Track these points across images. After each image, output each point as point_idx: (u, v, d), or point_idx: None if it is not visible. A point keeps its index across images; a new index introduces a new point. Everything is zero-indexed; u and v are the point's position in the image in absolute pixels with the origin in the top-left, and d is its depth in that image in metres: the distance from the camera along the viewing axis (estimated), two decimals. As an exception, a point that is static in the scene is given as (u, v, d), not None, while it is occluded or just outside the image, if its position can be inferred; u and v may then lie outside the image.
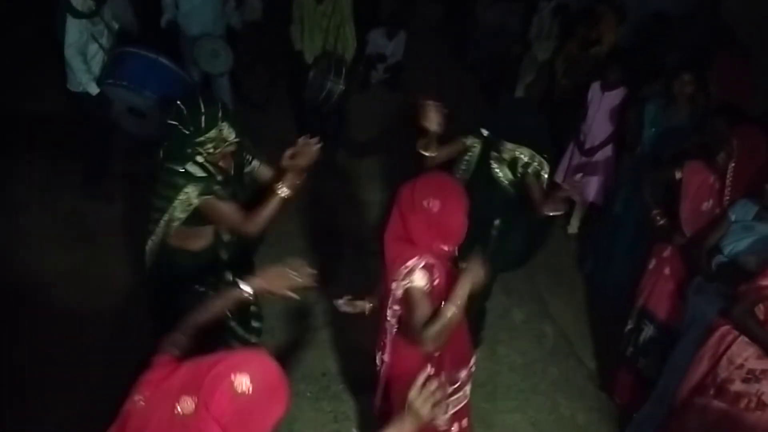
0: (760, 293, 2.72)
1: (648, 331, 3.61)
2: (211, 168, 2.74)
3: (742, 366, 2.78)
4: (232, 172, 2.91)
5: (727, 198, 3.22)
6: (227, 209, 2.74)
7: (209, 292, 2.94)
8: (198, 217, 2.77)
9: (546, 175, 3.46)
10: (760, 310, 2.73)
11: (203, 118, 2.66)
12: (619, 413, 3.77)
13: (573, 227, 5.28)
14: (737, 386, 2.80)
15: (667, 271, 3.49)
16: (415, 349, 2.43)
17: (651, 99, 4.26)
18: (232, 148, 2.77)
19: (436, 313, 2.30)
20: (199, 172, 2.70)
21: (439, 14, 8.30)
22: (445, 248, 2.40)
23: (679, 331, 3.36)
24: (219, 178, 2.77)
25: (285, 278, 2.28)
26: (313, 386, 3.72)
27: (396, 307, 2.49)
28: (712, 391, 2.88)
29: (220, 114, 2.68)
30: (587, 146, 4.86)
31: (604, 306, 4.46)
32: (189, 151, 2.69)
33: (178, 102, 2.74)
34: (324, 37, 5.27)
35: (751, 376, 2.76)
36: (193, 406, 1.51)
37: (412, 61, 7.05)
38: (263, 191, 2.80)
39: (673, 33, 5.25)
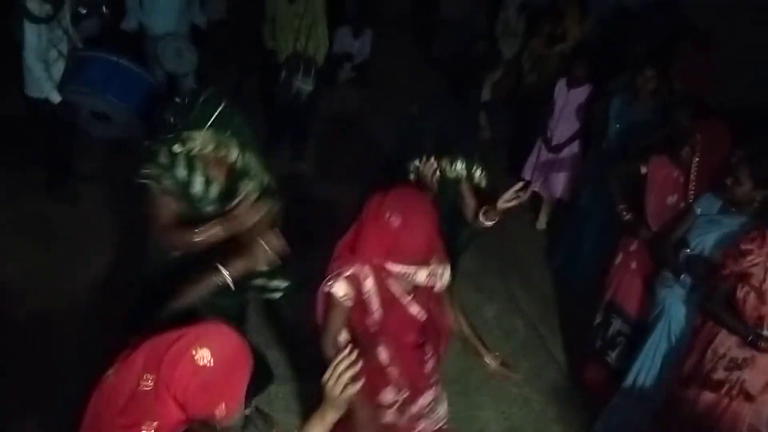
0: (727, 281, 2.77)
1: (616, 324, 3.66)
2: (181, 162, 2.48)
3: (725, 355, 2.83)
4: (221, 186, 2.59)
5: (692, 192, 3.26)
6: (161, 205, 2.48)
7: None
8: None
9: (481, 178, 3.04)
10: (740, 291, 2.75)
11: (192, 114, 2.39)
12: (590, 406, 3.81)
13: (541, 223, 5.34)
14: (720, 374, 2.84)
15: (633, 265, 3.54)
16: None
17: (616, 94, 4.30)
18: (211, 158, 2.47)
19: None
20: (163, 159, 2.46)
21: (405, 11, 8.31)
22: (390, 267, 2.28)
23: (644, 323, 3.42)
24: (182, 176, 2.48)
25: (263, 252, 2.20)
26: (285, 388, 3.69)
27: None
28: (699, 382, 2.92)
29: (209, 121, 2.38)
30: (554, 143, 4.91)
31: (573, 300, 4.51)
32: (171, 136, 2.43)
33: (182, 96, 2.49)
34: (295, 37, 5.24)
35: (734, 365, 2.81)
36: (152, 383, 1.53)
37: (379, 58, 7.03)
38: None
39: (635, 27, 5.33)
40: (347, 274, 2.30)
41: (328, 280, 2.33)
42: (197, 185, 2.53)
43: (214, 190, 2.58)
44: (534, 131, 5.18)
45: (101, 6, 4.99)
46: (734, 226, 2.92)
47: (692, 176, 3.26)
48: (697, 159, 3.23)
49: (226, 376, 1.58)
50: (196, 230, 2.43)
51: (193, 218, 2.52)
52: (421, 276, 2.36)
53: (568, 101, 4.77)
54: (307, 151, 5.78)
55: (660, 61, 4.19)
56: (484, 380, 3.92)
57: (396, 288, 2.36)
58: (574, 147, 4.88)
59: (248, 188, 2.55)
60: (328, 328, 2.36)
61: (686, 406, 2.97)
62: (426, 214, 2.24)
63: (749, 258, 2.71)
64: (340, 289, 2.30)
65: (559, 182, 4.99)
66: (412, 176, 2.89)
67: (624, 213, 3.56)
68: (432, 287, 2.44)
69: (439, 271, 2.42)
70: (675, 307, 3.14)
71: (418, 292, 2.42)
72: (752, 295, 2.72)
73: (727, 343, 2.83)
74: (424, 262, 2.32)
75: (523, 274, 4.85)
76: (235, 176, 2.59)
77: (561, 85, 4.82)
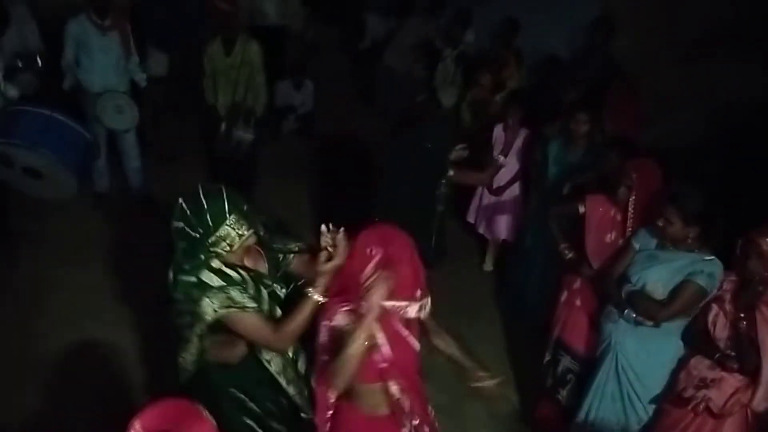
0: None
1: (565, 362, 3.70)
2: (231, 272, 2.37)
3: (696, 376, 2.96)
4: (266, 270, 2.54)
5: (630, 229, 3.36)
6: (252, 322, 2.36)
7: (267, 409, 2.63)
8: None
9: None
10: (711, 315, 2.94)
11: (208, 215, 2.29)
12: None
13: (488, 265, 5.40)
14: (689, 392, 2.96)
15: (578, 302, 3.61)
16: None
17: (553, 138, 4.45)
18: (251, 242, 2.40)
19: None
20: (215, 281, 2.33)
21: (345, 63, 8.46)
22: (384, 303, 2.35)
23: (591, 359, 3.46)
24: (244, 282, 2.39)
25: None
26: None
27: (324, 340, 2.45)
28: (670, 400, 3.07)
29: (227, 206, 2.30)
30: (495, 186, 5.02)
31: (523, 339, 4.55)
32: (202, 257, 2.32)
33: (180, 201, 2.36)
34: (233, 89, 5.28)
35: (703, 384, 2.92)
36: None
37: (322, 109, 7.12)
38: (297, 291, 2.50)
39: (568, 73, 5.56)
40: (347, 308, 2.34)
41: (330, 315, 2.37)
42: (248, 280, 2.44)
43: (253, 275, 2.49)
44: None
45: (35, 61, 4.93)
46: (672, 260, 3.02)
47: (630, 213, 3.36)
48: (633, 197, 3.33)
49: None
50: (294, 315, 2.39)
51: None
52: (413, 310, 2.38)
53: (506, 145, 4.89)
54: (253, 201, 5.74)
55: (591, 106, 4.36)
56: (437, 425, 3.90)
57: (395, 322, 2.40)
58: (515, 189, 5.00)
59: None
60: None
61: (657, 422, 3.13)
62: (407, 248, 2.33)
63: (724, 286, 2.92)
64: (342, 319, 2.35)
65: (503, 224, 5.09)
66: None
67: (566, 252, 3.64)
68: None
69: (426, 302, 2.44)
70: (622, 341, 3.19)
71: (410, 324, 2.45)
72: (721, 318, 2.89)
73: (699, 365, 2.97)
74: (413, 297, 2.36)
75: (472, 315, 4.87)
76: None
77: (498, 129, 4.96)
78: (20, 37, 5.04)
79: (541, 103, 5.22)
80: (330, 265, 2.31)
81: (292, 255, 2.63)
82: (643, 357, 3.15)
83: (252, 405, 2.60)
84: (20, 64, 4.77)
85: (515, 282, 4.81)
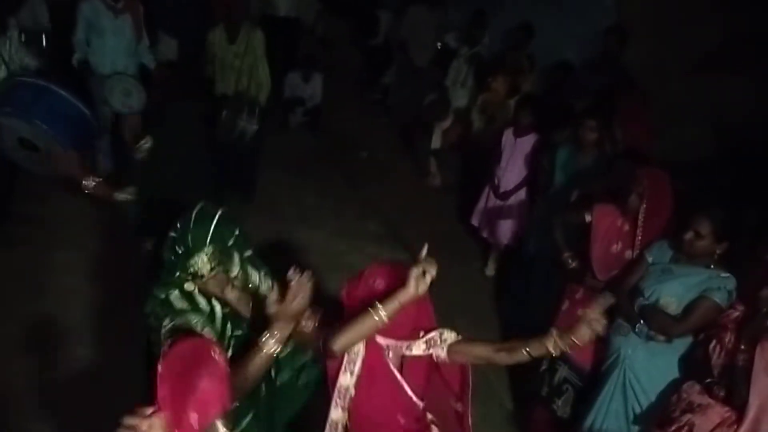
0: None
1: (562, 371, 3.64)
2: (202, 300, 2.22)
3: (686, 399, 2.90)
4: (247, 313, 2.36)
5: (639, 239, 3.31)
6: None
7: None
8: None
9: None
10: (712, 343, 2.86)
11: (190, 237, 2.17)
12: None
13: (490, 269, 5.37)
14: (676, 414, 2.90)
15: (580, 312, 3.56)
16: None
17: (562, 144, 4.42)
18: (219, 279, 2.23)
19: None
20: (179, 304, 2.19)
21: (356, 58, 8.44)
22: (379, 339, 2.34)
23: (592, 372, 3.43)
24: (212, 314, 2.23)
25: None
26: None
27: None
28: (658, 422, 3.00)
29: (210, 235, 2.16)
30: (501, 190, 4.99)
31: (521, 346, 4.51)
32: (178, 274, 2.20)
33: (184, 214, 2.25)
34: (237, 77, 5.26)
35: (689, 408, 2.86)
36: None
37: (331, 104, 7.10)
38: None
39: (579, 80, 5.52)
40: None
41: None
42: (218, 314, 2.26)
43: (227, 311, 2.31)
44: (482, 179, 5.26)
45: (40, 40, 4.91)
46: (688, 275, 2.98)
47: (639, 224, 3.31)
48: (644, 206, 3.29)
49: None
50: (242, 365, 2.08)
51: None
52: (417, 348, 2.33)
53: (515, 150, 4.88)
54: (255, 195, 5.72)
55: (601, 114, 4.32)
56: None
57: (388, 361, 2.34)
58: (521, 194, 4.97)
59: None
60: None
61: None
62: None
63: (731, 315, 2.84)
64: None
65: (507, 229, 5.05)
66: None
67: (569, 261, 3.60)
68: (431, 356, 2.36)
69: (434, 338, 2.34)
70: (631, 355, 3.14)
71: (412, 367, 2.37)
72: (718, 347, 2.82)
73: (690, 390, 2.90)
74: (411, 336, 2.32)
75: (472, 320, 4.82)
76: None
77: (508, 134, 4.94)
78: (33, 15, 5.03)
79: (552, 109, 5.20)
80: (282, 308, 2.05)
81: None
82: (652, 372, 3.11)
83: None
84: (23, 39, 4.71)
85: (516, 288, 4.77)
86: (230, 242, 2.21)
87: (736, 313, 2.85)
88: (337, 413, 2.38)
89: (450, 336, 2.35)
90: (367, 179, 6.39)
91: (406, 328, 2.29)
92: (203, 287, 2.22)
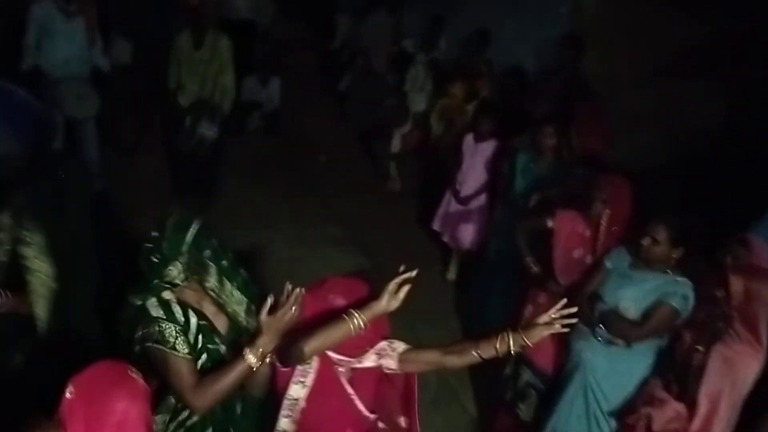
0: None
1: (525, 376, 3.67)
2: (178, 310, 2.19)
3: (649, 393, 2.99)
4: (223, 328, 2.31)
5: (601, 242, 3.38)
6: (176, 368, 2.11)
7: None
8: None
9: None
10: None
11: (166, 244, 2.16)
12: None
13: (451, 274, 5.39)
14: (638, 405, 3.00)
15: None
16: None
17: (521, 150, 4.47)
18: (193, 289, 2.23)
19: None
20: (155, 311, 2.16)
21: (313, 62, 8.40)
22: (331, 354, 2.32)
23: (555, 376, 3.48)
24: (187, 325, 2.19)
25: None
26: None
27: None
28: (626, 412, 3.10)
29: (184, 246, 2.16)
30: (463, 194, 5.03)
31: (483, 351, 4.55)
32: (155, 282, 2.19)
33: (155, 233, 2.21)
34: (201, 84, 5.17)
35: (650, 401, 2.95)
36: None
37: (289, 108, 7.04)
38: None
39: (536, 87, 5.61)
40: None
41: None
42: (193, 325, 2.23)
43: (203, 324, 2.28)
44: (443, 183, 5.30)
45: None
46: (645, 280, 3.05)
47: (602, 229, 3.37)
48: (607, 212, 3.35)
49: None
50: (221, 374, 2.11)
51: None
52: (368, 360, 2.34)
53: (476, 155, 4.92)
54: (213, 200, 5.64)
55: (559, 120, 4.39)
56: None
57: (340, 377, 2.33)
58: (482, 199, 5.01)
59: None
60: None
61: None
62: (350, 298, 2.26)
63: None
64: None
65: (468, 233, 5.09)
66: None
67: (531, 266, 3.65)
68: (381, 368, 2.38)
69: (384, 346, 2.36)
70: (592, 359, 3.19)
71: (364, 381, 2.37)
72: (679, 345, 2.93)
73: (654, 383, 3.00)
74: (363, 351, 2.32)
75: (432, 325, 4.85)
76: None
77: (469, 139, 4.98)
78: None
79: (507, 115, 5.27)
80: (270, 320, 2.06)
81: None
82: (612, 376, 3.16)
83: None
84: None
85: (478, 292, 4.80)
86: (206, 253, 2.20)
87: (700, 314, 2.92)
88: (284, 424, 2.36)
89: (399, 345, 2.37)
90: (326, 183, 6.36)
91: (359, 347, 2.29)
92: (181, 297, 2.21)
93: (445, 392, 4.29)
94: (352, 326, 2.15)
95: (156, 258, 2.17)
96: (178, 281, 2.19)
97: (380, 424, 2.48)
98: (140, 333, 2.15)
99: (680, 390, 2.88)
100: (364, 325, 2.15)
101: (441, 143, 5.81)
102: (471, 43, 6.31)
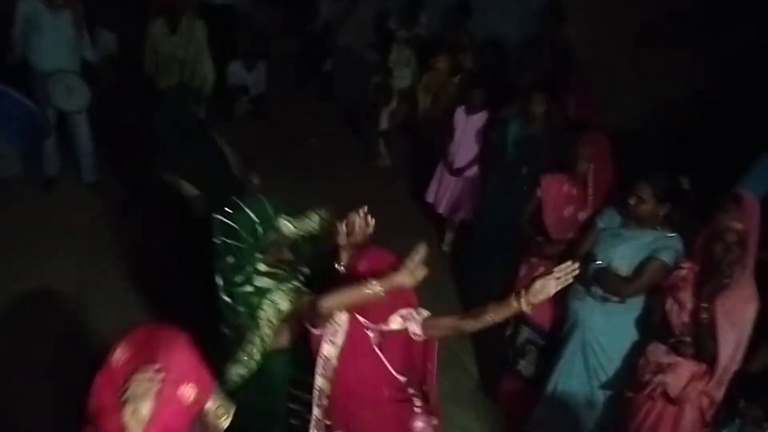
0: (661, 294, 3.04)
1: (524, 333, 3.79)
2: (277, 270, 2.57)
3: (654, 362, 3.02)
4: (291, 257, 2.72)
5: (591, 198, 3.50)
6: (303, 302, 2.54)
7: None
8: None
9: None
10: (668, 303, 2.98)
11: (258, 226, 2.48)
12: (510, 417, 3.94)
13: (447, 244, 5.48)
14: (647, 377, 3.02)
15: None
16: None
17: (512, 119, 4.54)
18: (289, 242, 2.64)
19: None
20: (267, 283, 2.52)
21: (293, 46, 8.39)
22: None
23: (552, 332, 3.60)
24: (292, 273, 2.60)
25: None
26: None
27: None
28: (631, 386, 3.14)
29: (271, 211, 2.52)
30: (456, 166, 5.11)
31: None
32: (251, 266, 2.49)
33: (219, 217, 2.48)
34: (180, 69, 5.18)
35: (659, 369, 2.98)
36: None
37: (276, 91, 7.06)
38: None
39: (521, 58, 5.68)
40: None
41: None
42: (292, 276, 2.64)
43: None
44: (433, 156, 5.37)
45: None
46: (636, 237, 3.15)
47: (590, 184, 3.49)
48: (592, 167, 3.47)
49: None
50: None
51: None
52: (395, 323, 2.45)
53: (468, 127, 4.99)
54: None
55: (548, 87, 4.46)
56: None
57: (370, 338, 2.46)
58: (475, 170, 5.09)
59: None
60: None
61: (622, 410, 3.22)
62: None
63: (680, 273, 2.96)
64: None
65: (462, 204, 5.19)
66: None
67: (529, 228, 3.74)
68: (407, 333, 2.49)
69: (410, 311, 2.48)
70: (589, 317, 3.30)
71: (389, 343, 2.49)
72: (676, 306, 2.95)
73: (656, 351, 3.02)
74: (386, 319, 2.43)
75: (432, 295, 4.84)
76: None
77: (460, 111, 5.04)
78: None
79: (494, 86, 5.34)
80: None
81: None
82: (609, 332, 3.27)
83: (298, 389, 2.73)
84: None
85: (474, 260, 4.89)
86: (270, 213, 2.51)
87: (684, 272, 2.97)
88: (320, 382, 2.50)
89: (423, 312, 2.51)
90: (316, 165, 6.40)
91: (383, 314, 2.42)
92: (268, 261, 2.50)
93: (448, 358, 4.33)
94: (367, 291, 2.27)
95: (247, 243, 2.44)
96: (279, 244, 2.56)
97: (409, 389, 2.60)
98: (276, 305, 2.48)
99: (697, 349, 2.88)
100: (381, 293, 2.27)
101: (428, 117, 5.86)
102: (452, 16, 6.36)
